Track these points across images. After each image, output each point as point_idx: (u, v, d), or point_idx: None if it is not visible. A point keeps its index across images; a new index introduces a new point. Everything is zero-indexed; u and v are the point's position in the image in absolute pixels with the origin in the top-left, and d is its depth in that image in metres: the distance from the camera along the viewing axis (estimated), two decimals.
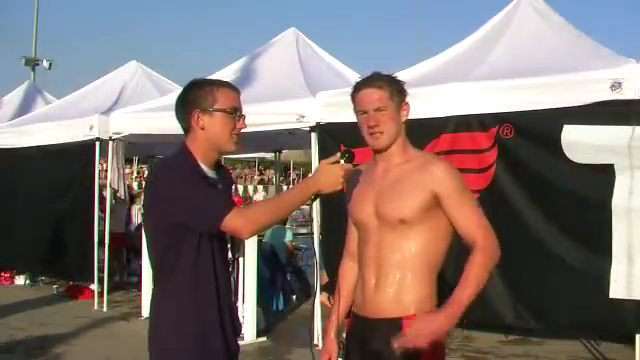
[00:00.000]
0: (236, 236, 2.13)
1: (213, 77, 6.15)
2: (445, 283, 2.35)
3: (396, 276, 2.28)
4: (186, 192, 2.07)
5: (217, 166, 2.30)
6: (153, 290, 2.24)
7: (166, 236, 2.14)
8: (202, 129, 2.20)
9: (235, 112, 2.22)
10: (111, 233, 8.16)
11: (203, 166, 2.21)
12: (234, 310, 2.35)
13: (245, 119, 2.26)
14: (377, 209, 2.33)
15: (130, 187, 12.52)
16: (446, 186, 2.25)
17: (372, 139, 2.34)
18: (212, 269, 2.13)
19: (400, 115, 2.34)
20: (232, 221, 2.03)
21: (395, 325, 2.24)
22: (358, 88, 2.36)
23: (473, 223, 2.26)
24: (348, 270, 2.55)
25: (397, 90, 2.33)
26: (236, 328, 2.31)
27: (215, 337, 2.16)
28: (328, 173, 2.17)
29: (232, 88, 2.27)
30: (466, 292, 2.14)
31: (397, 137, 2.34)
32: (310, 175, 2.21)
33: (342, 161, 2.20)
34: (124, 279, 10.00)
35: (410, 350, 2.19)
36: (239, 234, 2.07)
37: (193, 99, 2.21)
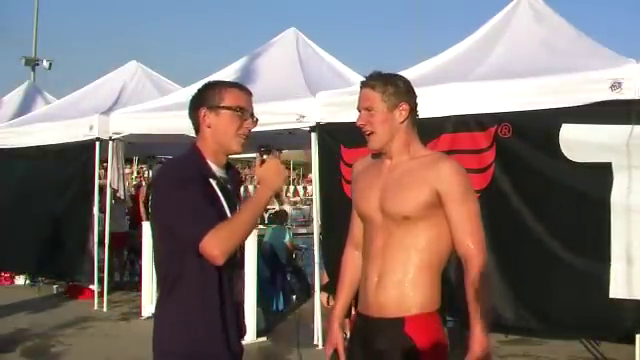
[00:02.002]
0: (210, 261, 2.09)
1: (213, 77, 6.15)
2: (448, 283, 2.34)
3: (399, 275, 2.27)
4: (178, 202, 2.07)
5: (227, 166, 2.31)
6: (158, 292, 2.25)
7: (170, 238, 2.14)
8: (209, 127, 2.22)
9: (242, 111, 2.22)
10: (111, 233, 8.17)
11: (213, 165, 2.22)
12: (240, 312, 2.33)
13: (256, 122, 2.27)
14: (382, 204, 2.33)
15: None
16: (450, 186, 2.24)
17: (367, 139, 2.36)
18: (216, 272, 2.12)
19: (395, 116, 2.32)
20: (209, 249, 2.01)
21: (397, 325, 2.25)
22: (360, 87, 2.39)
23: (469, 235, 2.24)
24: (352, 259, 2.54)
25: (393, 91, 2.31)
26: (241, 330, 2.30)
27: (216, 340, 2.15)
28: (267, 173, 2.16)
29: (241, 89, 2.29)
30: (484, 324, 2.20)
31: (392, 138, 2.33)
32: (256, 188, 2.23)
33: (265, 156, 2.20)
34: (124, 279, 10.00)
35: (413, 350, 2.21)
36: (214, 262, 2.04)
37: (202, 98, 2.25)
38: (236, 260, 2.22)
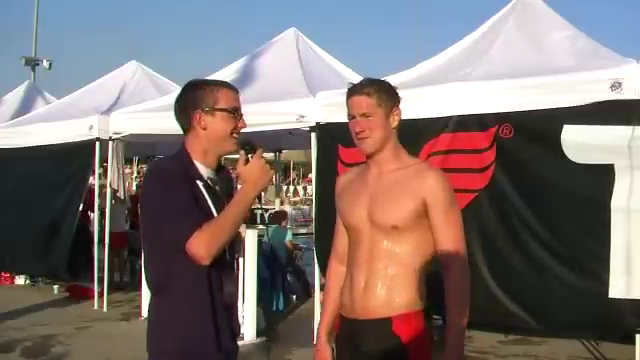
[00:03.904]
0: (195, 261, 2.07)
1: (213, 77, 6.15)
2: (437, 283, 2.36)
3: (386, 278, 2.31)
4: (164, 203, 2.06)
5: (218, 166, 2.30)
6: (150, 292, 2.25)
7: (158, 238, 2.13)
8: (204, 129, 2.19)
9: (236, 112, 2.22)
10: (111, 233, 8.17)
11: (201, 166, 2.21)
12: (233, 311, 2.32)
13: (244, 118, 2.26)
14: (370, 214, 2.35)
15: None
16: (435, 196, 2.28)
17: (359, 143, 2.38)
18: (205, 272, 2.10)
19: (389, 121, 2.36)
20: (194, 249, 2.01)
21: (385, 324, 2.28)
22: (349, 94, 2.39)
23: (451, 244, 2.30)
24: (336, 274, 2.57)
25: (386, 97, 2.35)
26: (233, 329, 2.29)
27: (207, 340, 2.14)
28: (250, 172, 2.15)
29: (231, 88, 2.27)
30: (461, 323, 2.27)
31: (386, 143, 2.36)
32: (239, 186, 2.19)
33: (250, 156, 2.16)
34: (124, 279, 10.00)
35: (400, 348, 2.25)
36: (199, 262, 2.04)
37: (194, 100, 2.21)
38: (225, 260, 2.21)
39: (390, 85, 2.40)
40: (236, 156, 2.20)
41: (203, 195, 2.17)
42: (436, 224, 2.29)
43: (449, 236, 2.30)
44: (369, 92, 2.33)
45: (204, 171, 2.22)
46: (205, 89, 2.21)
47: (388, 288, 2.30)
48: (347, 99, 2.39)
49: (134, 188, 16.54)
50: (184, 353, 2.13)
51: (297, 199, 26.64)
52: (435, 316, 2.45)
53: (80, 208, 8.20)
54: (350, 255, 2.45)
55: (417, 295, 2.31)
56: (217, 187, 2.25)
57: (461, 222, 2.36)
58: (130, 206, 10.21)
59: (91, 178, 8.93)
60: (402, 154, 2.42)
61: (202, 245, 2.01)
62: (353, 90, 2.38)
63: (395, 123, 2.37)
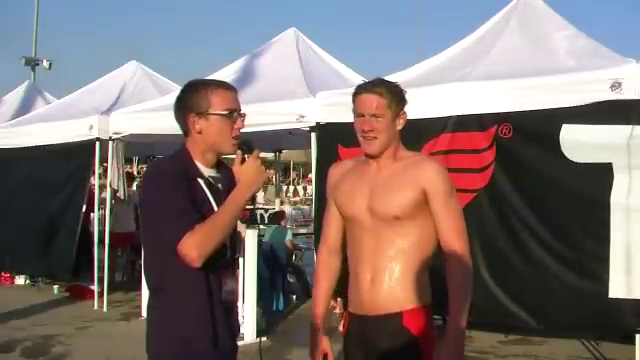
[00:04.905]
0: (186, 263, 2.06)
1: (213, 77, 6.14)
2: (437, 276, 2.38)
3: (392, 272, 2.32)
4: (161, 202, 2.07)
5: (218, 165, 2.29)
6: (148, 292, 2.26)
7: (155, 238, 2.13)
8: (199, 133, 2.18)
9: (232, 114, 2.19)
10: (116, 234, 8.16)
11: (200, 165, 2.20)
12: (232, 311, 2.32)
13: (244, 118, 2.24)
14: (370, 205, 2.36)
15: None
16: (435, 186, 2.30)
17: (365, 143, 2.38)
18: (203, 271, 2.09)
19: (396, 124, 2.37)
20: (186, 250, 2.00)
21: (396, 319, 2.30)
22: (359, 91, 2.38)
23: (453, 233, 2.32)
24: (326, 265, 2.58)
25: (397, 99, 2.36)
26: (232, 329, 2.28)
27: (204, 340, 2.14)
28: (245, 173, 2.14)
29: (227, 88, 2.24)
30: (462, 318, 2.26)
31: (390, 144, 2.38)
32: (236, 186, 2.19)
33: (247, 156, 2.16)
34: (124, 279, 10.00)
35: (412, 342, 2.27)
36: (190, 264, 2.04)
37: (189, 103, 2.19)
38: (225, 259, 2.21)
39: (400, 88, 2.41)
40: (233, 156, 2.19)
41: (204, 192, 2.16)
42: (436, 210, 2.31)
43: (450, 224, 2.31)
44: (381, 92, 2.33)
45: (205, 170, 2.21)
46: (200, 92, 2.19)
47: (395, 282, 2.32)
48: (356, 96, 2.38)
49: (134, 188, 16.50)
50: (182, 353, 2.13)
51: (297, 199, 26.63)
52: (435, 316, 2.45)
53: (84, 209, 8.19)
54: (352, 252, 2.45)
55: (423, 289, 2.34)
56: (219, 184, 2.24)
57: (461, 211, 2.38)
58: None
59: (91, 178, 8.91)
60: (402, 151, 2.44)
61: (193, 247, 2.00)
62: (364, 88, 2.37)
63: (400, 126, 2.39)
